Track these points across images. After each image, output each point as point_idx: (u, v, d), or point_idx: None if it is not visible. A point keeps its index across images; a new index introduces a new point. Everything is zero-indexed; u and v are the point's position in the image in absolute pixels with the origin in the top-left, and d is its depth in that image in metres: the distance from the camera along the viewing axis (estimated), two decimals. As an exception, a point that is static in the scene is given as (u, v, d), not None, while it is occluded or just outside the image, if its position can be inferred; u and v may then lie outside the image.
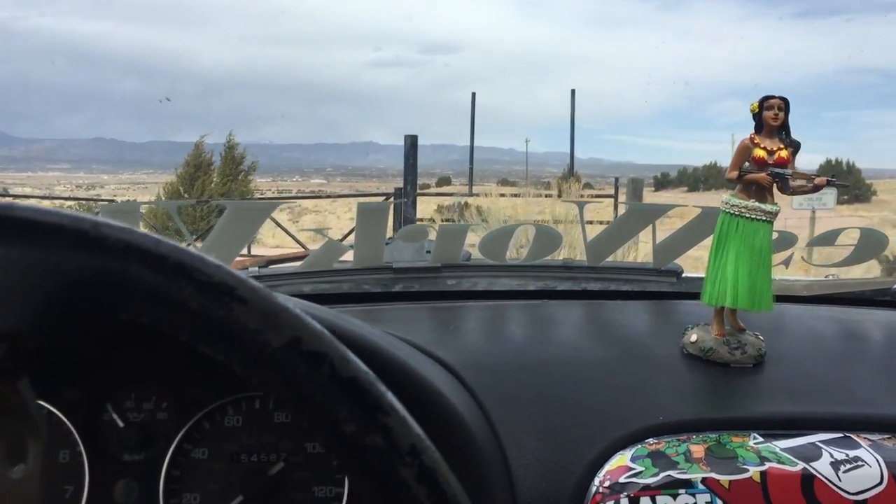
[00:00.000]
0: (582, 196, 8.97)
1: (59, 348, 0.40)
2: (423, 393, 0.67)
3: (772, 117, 0.88)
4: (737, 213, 0.90)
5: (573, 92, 14.56)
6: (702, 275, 0.96)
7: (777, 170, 0.89)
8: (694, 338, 0.91)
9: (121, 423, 0.71)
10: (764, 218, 0.89)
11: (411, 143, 8.35)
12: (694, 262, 1.38)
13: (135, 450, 0.71)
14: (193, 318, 0.38)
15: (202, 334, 0.38)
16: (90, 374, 0.72)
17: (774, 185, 0.90)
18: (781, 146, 0.89)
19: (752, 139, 0.90)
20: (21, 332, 0.38)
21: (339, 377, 0.38)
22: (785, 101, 0.88)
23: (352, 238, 1.23)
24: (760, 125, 0.90)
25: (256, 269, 1.15)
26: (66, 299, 0.38)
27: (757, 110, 0.89)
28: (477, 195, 10.38)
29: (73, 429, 0.70)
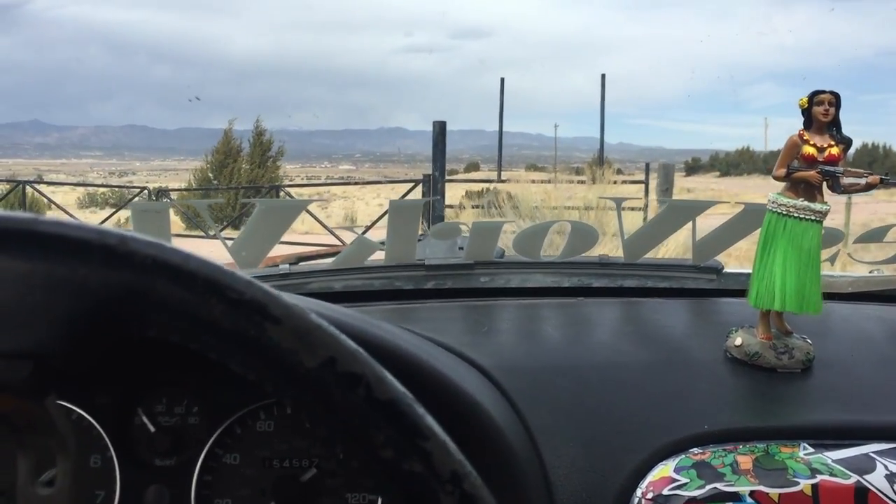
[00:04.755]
0: (615, 182, 8.87)
1: (85, 363, 0.38)
2: (460, 404, 0.66)
3: (822, 113, 0.84)
4: (784, 212, 0.86)
5: (603, 76, 14.47)
6: (743, 270, 0.92)
7: (828, 167, 0.85)
8: (739, 341, 0.87)
9: (152, 428, 0.71)
10: (813, 218, 0.85)
11: (440, 128, 8.31)
12: (726, 258, 1.34)
13: (166, 455, 0.70)
14: (224, 336, 0.36)
15: (233, 353, 0.37)
16: (121, 379, 0.71)
17: (824, 183, 0.86)
18: (832, 143, 0.85)
19: (801, 135, 0.86)
20: (47, 350, 0.36)
21: (375, 399, 0.36)
22: (836, 95, 0.84)
23: (382, 229, 1.20)
24: (810, 121, 0.86)
25: (287, 266, 1.14)
26: (93, 316, 0.36)
27: (806, 105, 0.85)
28: (506, 181, 10.33)
29: (104, 434, 0.70)
